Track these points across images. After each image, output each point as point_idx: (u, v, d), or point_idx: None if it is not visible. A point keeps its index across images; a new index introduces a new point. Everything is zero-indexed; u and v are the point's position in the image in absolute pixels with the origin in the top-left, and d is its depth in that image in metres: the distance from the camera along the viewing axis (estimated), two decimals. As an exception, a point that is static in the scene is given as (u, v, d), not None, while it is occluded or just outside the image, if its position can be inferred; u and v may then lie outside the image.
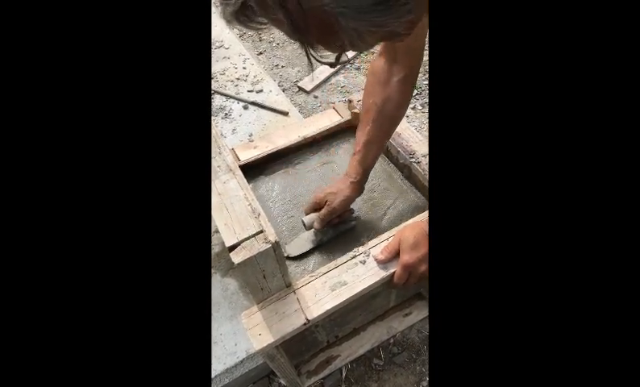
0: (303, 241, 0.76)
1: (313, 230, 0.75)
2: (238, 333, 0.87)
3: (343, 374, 0.93)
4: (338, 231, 0.77)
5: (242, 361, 0.84)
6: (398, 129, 0.87)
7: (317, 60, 0.38)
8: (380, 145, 0.75)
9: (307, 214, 0.76)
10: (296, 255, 0.75)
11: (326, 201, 0.73)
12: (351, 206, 0.78)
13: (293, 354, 0.83)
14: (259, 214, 0.55)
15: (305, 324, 0.59)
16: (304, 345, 0.83)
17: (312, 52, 0.36)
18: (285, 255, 0.74)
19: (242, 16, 0.34)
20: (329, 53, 0.38)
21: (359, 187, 0.74)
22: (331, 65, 0.40)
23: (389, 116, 0.72)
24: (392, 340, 0.98)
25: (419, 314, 0.94)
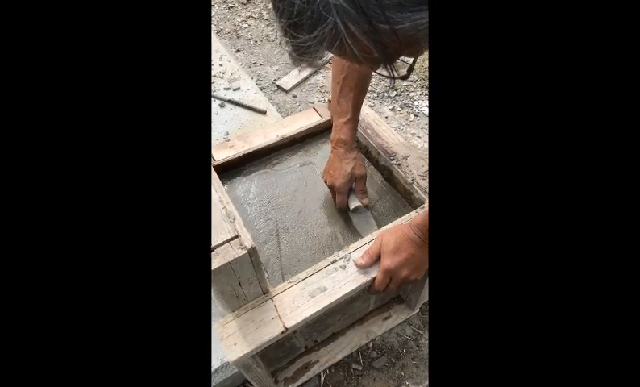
0: (365, 221, 0.77)
1: (359, 211, 0.77)
2: (213, 340, 0.83)
3: (322, 380, 0.91)
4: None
5: (216, 370, 0.81)
6: (378, 130, 0.85)
7: (395, 78, 0.37)
8: (361, 106, 0.78)
9: (344, 204, 0.76)
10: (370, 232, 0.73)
11: (355, 177, 0.74)
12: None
13: (270, 361, 0.81)
14: (235, 218, 0.52)
15: (282, 332, 0.56)
16: (281, 351, 0.81)
17: (394, 71, 0.36)
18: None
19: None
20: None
21: (359, 149, 0.78)
22: (403, 78, 0.40)
23: (366, 76, 0.74)
24: (371, 344, 0.96)
25: (398, 317, 0.94)
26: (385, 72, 0.37)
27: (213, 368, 0.81)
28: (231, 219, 0.52)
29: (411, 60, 0.44)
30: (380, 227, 0.70)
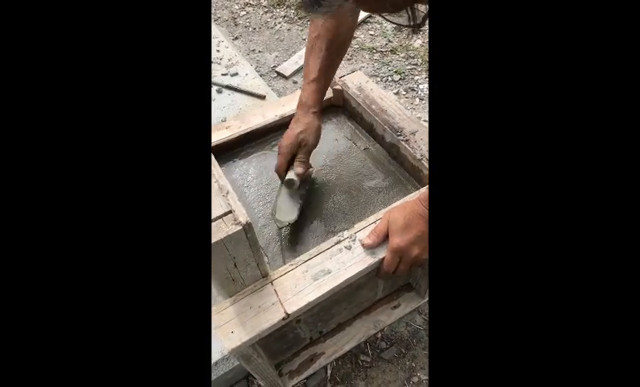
0: (290, 202, 0.69)
1: (292, 187, 0.69)
2: (212, 332, 0.79)
3: (328, 373, 0.86)
4: (309, 179, 0.74)
5: (216, 363, 0.76)
6: (384, 105, 0.80)
7: (413, 26, 0.37)
8: (334, 71, 0.72)
9: (284, 171, 0.69)
10: (293, 218, 0.67)
11: (300, 142, 0.68)
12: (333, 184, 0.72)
13: (273, 353, 0.76)
14: (228, 192, 0.47)
15: (284, 319, 0.52)
16: (285, 343, 0.76)
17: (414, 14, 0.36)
18: (282, 226, 0.67)
19: None
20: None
21: (320, 116, 0.71)
22: (418, 26, 0.40)
23: (343, 40, 0.69)
24: (379, 335, 0.92)
25: (408, 305, 0.89)
26: (400, 21, 0.35)
27: (213, 361, 0.76)
28: (224, 193, 0.47)
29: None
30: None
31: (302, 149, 0.68)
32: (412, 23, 0.35)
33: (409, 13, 0.34)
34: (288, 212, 0.68)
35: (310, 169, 0.73)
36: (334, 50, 0.68)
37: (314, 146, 0.70)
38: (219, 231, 0.44)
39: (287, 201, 0.69)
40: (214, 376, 0.76)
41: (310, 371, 0.81)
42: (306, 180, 0.72)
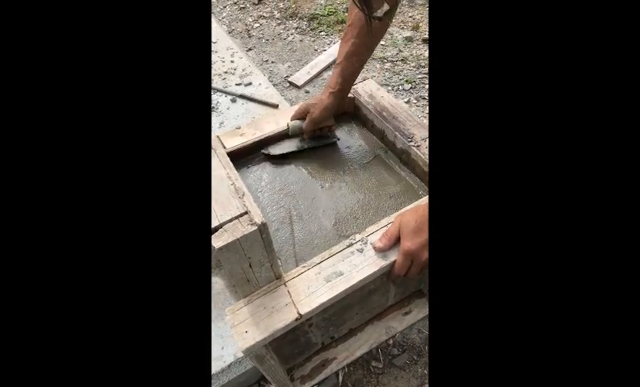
0: (285, 144, 0.84)
1: (296, 137, 0.84)
2: (225, 336, 0.80)
3: (340, 378, 0.87)
4: (319, 143, 0.84)
5: (229, 366, 0.77)
6: (394, 112, 0.81)
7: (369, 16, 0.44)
8: (361, 59, 0.78)
9: (292, 121, 0.83)
10: (277, 154, 0.82)
11: (308, 111, 0.80)
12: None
13: (285, 357, 0.77)
14: (244, 194, 0.49)
15: (297, 319, 0.52)
16: (297, 347, 0.77)
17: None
18: (266, 152, 0.82)
19: None
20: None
21: (337, 97, 0.78)
22: (378, 19, 0.45)
23: (373, 31, 0.74)
24: (391, 341, 0.92)
25: (419, 312, 0.88)
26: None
27: (226, 364, 0.77)
28: (240, 195, 0.48)
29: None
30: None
31: (307, 117, 0.80)
32: (367, 13, 0.39)
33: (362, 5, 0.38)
34: (276, 148, 0.83)
35: (334, 139, 0.86)
36: (362, 38, 0.73)
37: (319, 119, 0.79)
38: (235, 231, 0.45)
39: (283, 143, 0.84)
40: (227, 379, 0.77)
41: (322, 376, 0.81)
42: (305, 139, 0.84)
